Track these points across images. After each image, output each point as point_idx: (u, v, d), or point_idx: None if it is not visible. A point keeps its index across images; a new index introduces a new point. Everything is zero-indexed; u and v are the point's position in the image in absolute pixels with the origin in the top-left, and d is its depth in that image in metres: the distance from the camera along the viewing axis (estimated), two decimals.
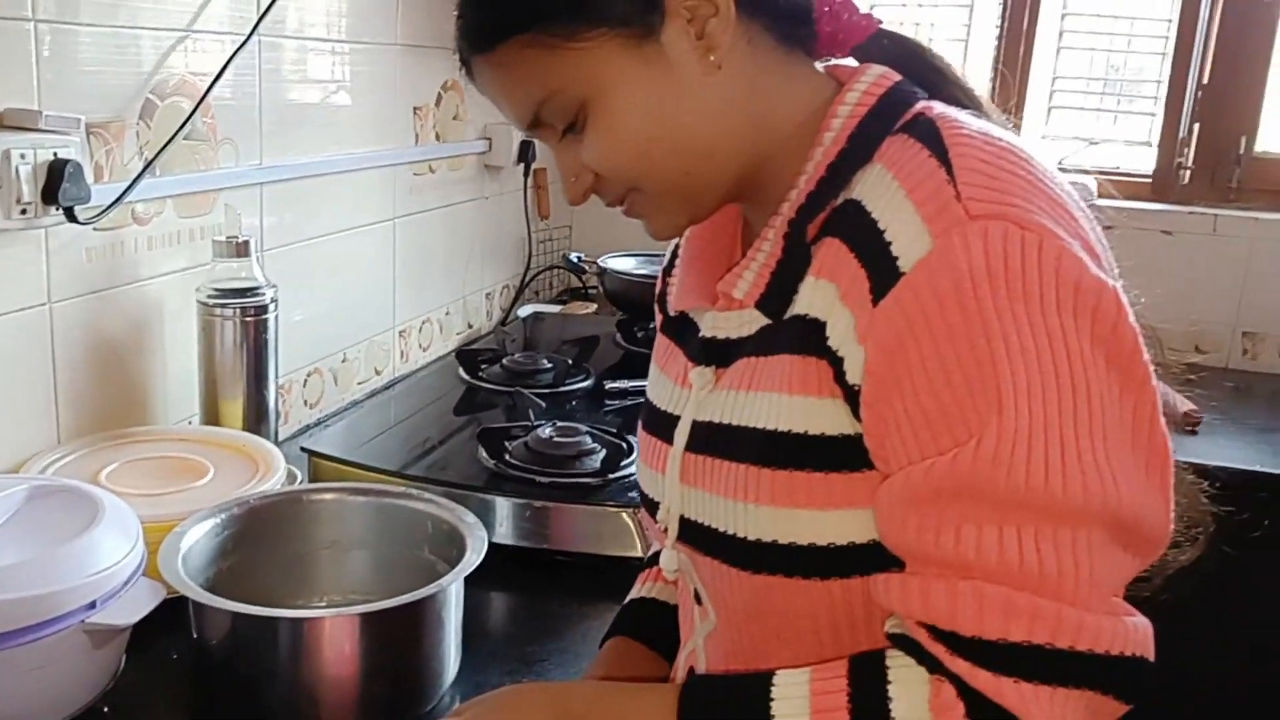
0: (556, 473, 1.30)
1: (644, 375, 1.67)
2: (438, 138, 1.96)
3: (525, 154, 2.21)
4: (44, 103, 1.13)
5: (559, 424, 1.40)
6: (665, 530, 0.81)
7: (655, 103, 0.73)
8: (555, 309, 2.34)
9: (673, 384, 0.84)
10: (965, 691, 0.63)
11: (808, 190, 0.74)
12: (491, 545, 1.02)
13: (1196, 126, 2.46)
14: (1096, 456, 0.62)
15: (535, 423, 1.42)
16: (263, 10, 1.41)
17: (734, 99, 0.75)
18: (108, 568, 0.90)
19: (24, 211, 1.09)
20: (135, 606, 0.89)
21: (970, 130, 0.69)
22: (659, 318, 0.93)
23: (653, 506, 0.84)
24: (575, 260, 2.22)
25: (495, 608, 1.20)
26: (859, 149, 0.73)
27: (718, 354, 0.79)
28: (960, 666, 0.63)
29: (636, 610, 0.98)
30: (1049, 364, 0.62)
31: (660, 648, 0.94)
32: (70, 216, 1.13)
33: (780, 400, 0.72)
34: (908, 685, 0.65)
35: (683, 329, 0.85)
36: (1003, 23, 2.52)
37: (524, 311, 2.25)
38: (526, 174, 2.27)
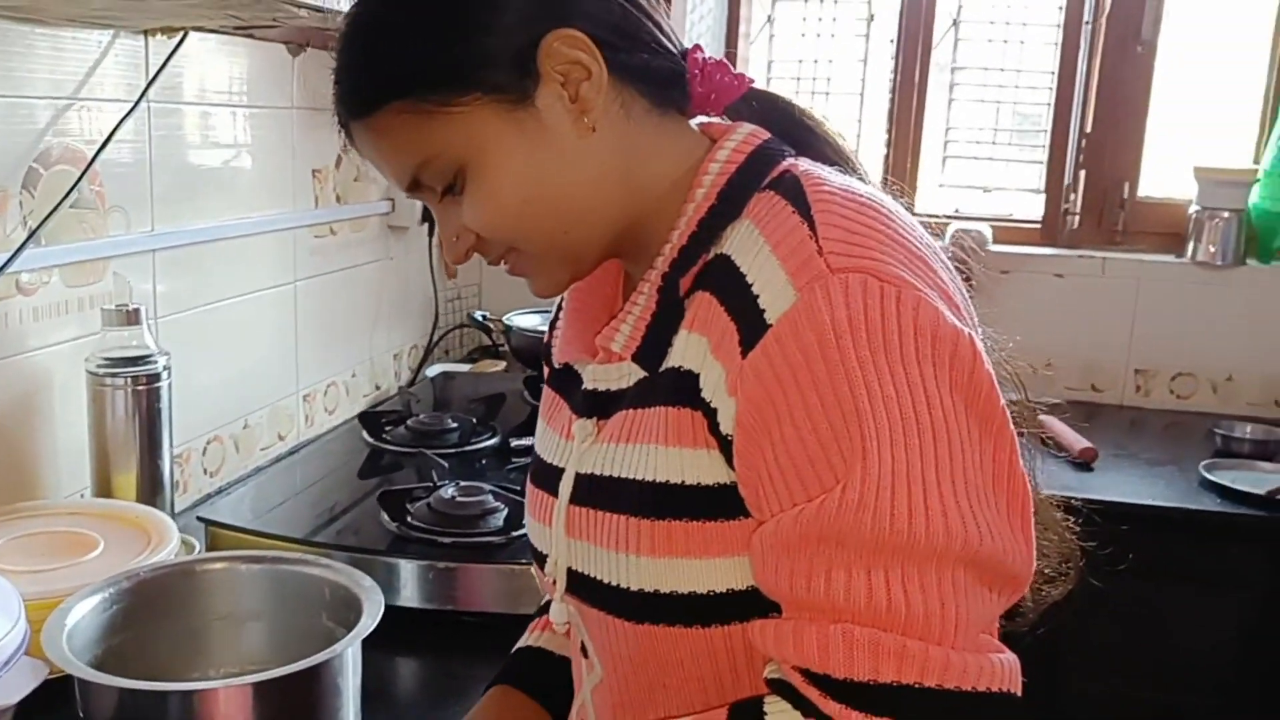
0: (460, 533, 1.30)
1: None
2: (339, 199, 1.96)
3: (429, 213, 2.21)
4: None
5: (462, 484, 1.40)
6: (554, 582, 0.82)
7: (531, 166, 0.74)
8: (465, 368, 2.34)
9: (557, 437, 0.85)
10: None
11: (680, 245, 0.76)
12: (396, 609, 1.02)
13: (1082, 174, 2.57)
14: (958, 499, 0.64)
15: (439, 483, 1.42)
16: (151, 76, 1.41)
17: (609, 160, 0.76)
18: None
19: None
20: (16, 686, 0.87)
21: (832, 186, 0.72)
22: (546, 371, 0.94)
23: (541, 559, 0.85)
24: (481, 319, 2.23)
25: (400, 672, 1.19)
26: (728, 205, 0.75)
27: (599, 406, 0.80)
28: (833, 709, 0.64)
29: (522, 659, 0.98)
30: (909, 411, 0.64)
31: (542, 698, 0.94)
32: None
33: (658, 452, 0.73)
34: None
35: (567, 382, 0.87)
36: (896, 77, 2.61)
37: (433, 371, 2.24)
38: (431, 233, 2.27)
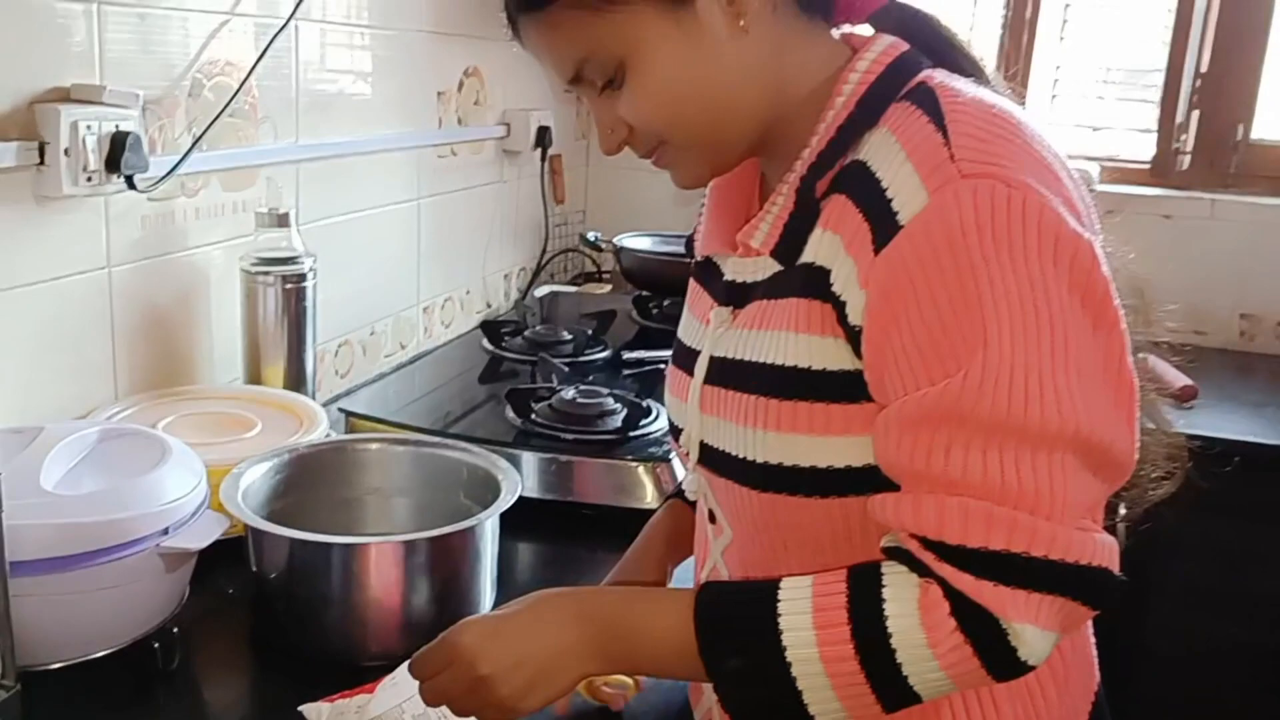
0: (580, 430, 1.38)
1: (661, 347, 1.76)
2: (460, 122, 2.04)
3: (542, 139, 2.29)
4: (106, 79, 1.22)
5: (581, 386, 1.48)
6: (688, 453, 0.89)
7: (687, 64, 0.79)
8: (572, 290, 2.42)
9: (698, 322, 0.92)
10: (950, 593, 0.70)
11: (818, 150, 0.81)
12: (520, 497, 1.09)
13: (1195, 114, 2.53)
14: (1071, 388, 0.69)
15: (559, 386, 1.50)
16: None
17: (758, 62, 0.81)
18: (178, 499, 0.98)
19: (89, 179, 1.17)
20: (204, 533, 0.98)
21: (965, 98, 0.76)
22: (691, 262, 1.01)
23: (677, 432, 0.92)
24: (593, 239, 2.30)
25: (524, 554, 1.28)
26: (866, 113, 0.79)
27: (737, 296, 0.87)
28: (946, 571, 0.70)
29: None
30: (1030, 306, 0.69)
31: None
32: (130, 184, 1.22)
33: (788, 338, 0.79)
34: (900, 588, 0.72)
35: (709, 273, 0.93)
36: (1007, 11, 2.59)
37: (540, 292, 2.33)
38: (543, 159, 2.35)
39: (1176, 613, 2.05)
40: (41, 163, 1.14)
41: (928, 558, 0.71)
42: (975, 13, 2.65)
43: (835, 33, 0.87)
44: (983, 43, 2.63)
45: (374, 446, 1.20)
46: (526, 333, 1.85)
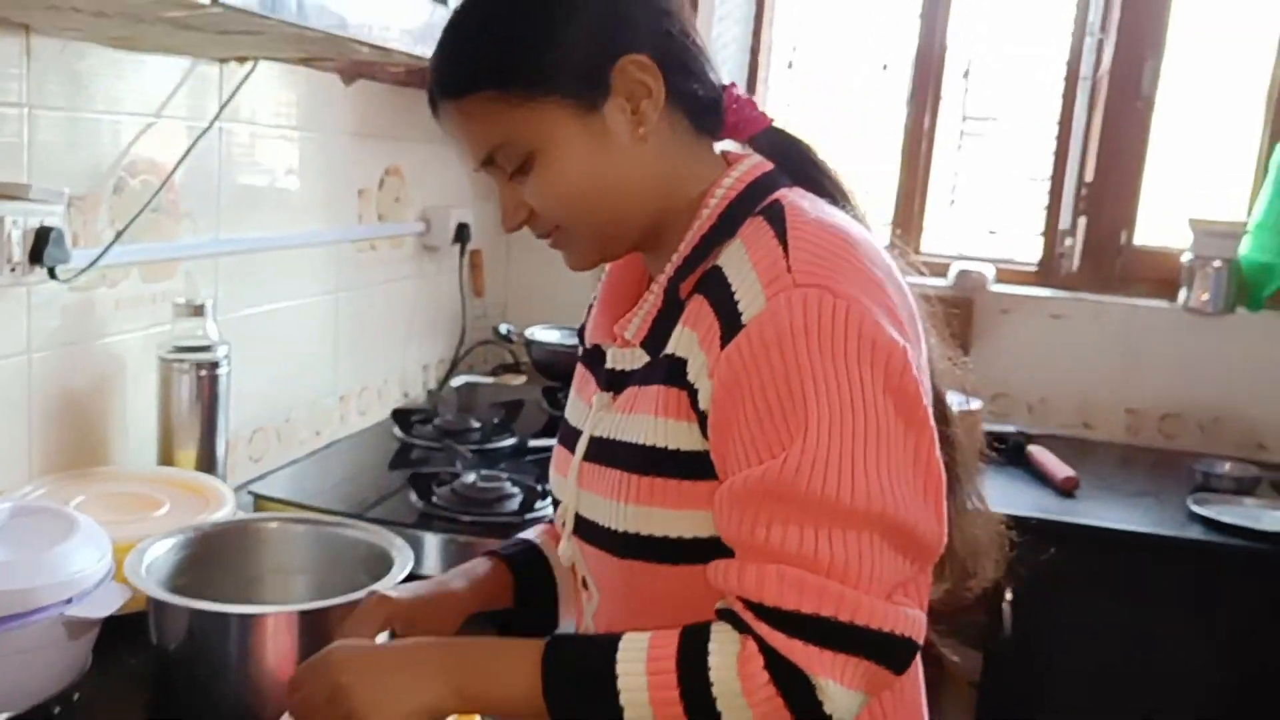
0: (479, 512, 1.46)
1: None
2: (380, 218, 2.14)
3: (461, 235, 2.39)
4: (33, 176, 1.29)
5: (483, 472, 1.56)
6: (564, 524, 0.98)
7: (590, 162, 0.90)
8: (489, 380, 2.50)
9: (584, 405, 1.02)
10: (765, 649, 0.79)
11: (684, 254, 0.92)
12: (421, 576, 1.14)
13: (1082, 220, 2.69)
14: (880, 476, 0.79)
15: (462, 471, 1.58)
16: (224, 101, 1.59)
17: (652, 168, 0.92)
18: (82, 570, 1.04)
19: (13, 269, 1.24)
20: (106, 602, 1.03)
21: (808, 218, 0.88)
22: (580, 350, 1.10)
23: (557, 504, 1.02)
24: (505, 332, 2.40)
25: None
26: (726, 225, 0.91)
27: (615, 382, 0.97)
28: (762, 629, 0.79)
29: (521, 546, 1.12)
30: (846, 402, 0.79)
31: (524, 578, 1.09)
32: (52, 275, 1.29)
33: (651, 421, 0.89)
34: (724, 644, 0.81)
35: (595, 359, 1.03)
36: (908, 121, 2.76)
37: (457, 382, 2.40)
38: (462, 254, 2.45)
39: (1065, 685, 2.13)
40: None
41: (748, 617, 0.80)
42: (878, 120, 2.83)
43: (717, 147, 0.99)
44: (887, 149, 2.80)
45: (274, 525, 1.27)
46: (436, 420, 1.93)
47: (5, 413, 1.32)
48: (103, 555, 1.07)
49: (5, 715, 1.00)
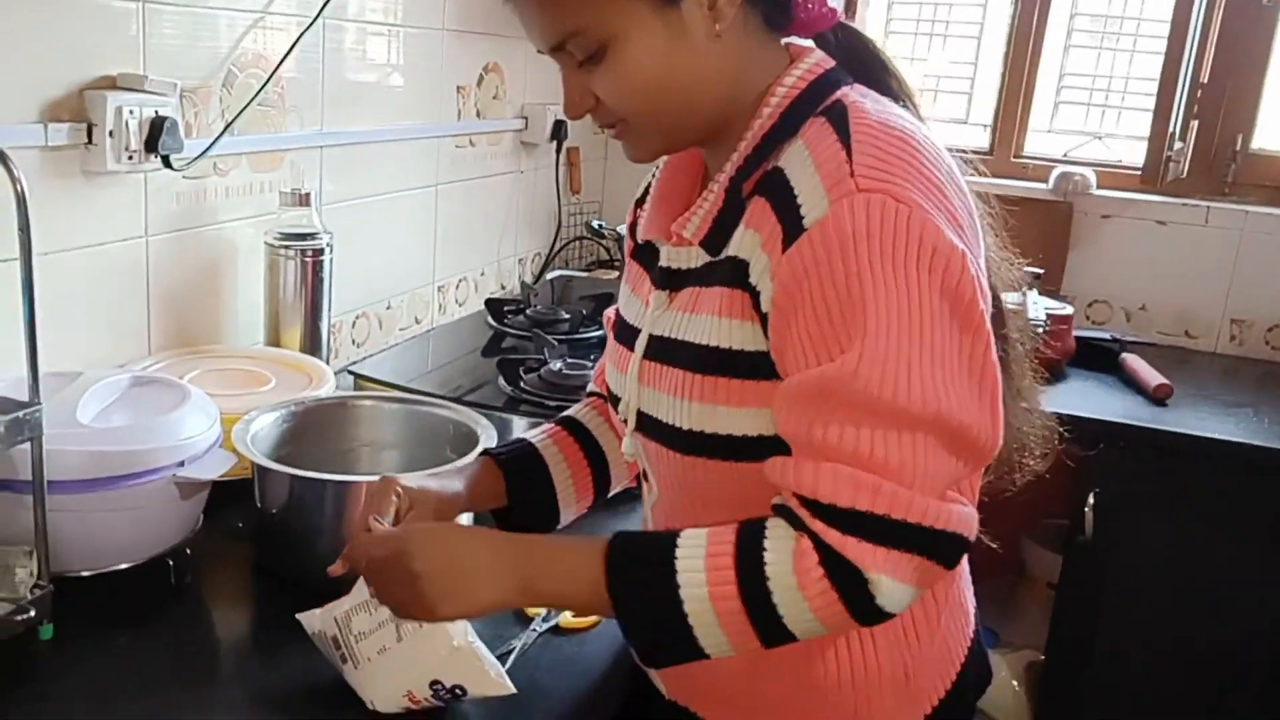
0: (564, 398, 1.52)
1: None
2: (478, 115, 2.19)
3: (558, 132, 2.43)
4: (148, 69, 1.37)
5: (569, 359, 1.62)
6: (625, 420, 1.02)
7: (664, 57, 0.89)
8: (582, 274, 2.56)
9: (638, 302, 1.05)
10: (819, 545, 0.81)
11: (745, 154, 0.92)
12: None
13: (1195, 123, 2.60)
14: (937, 379, 0.80)
15: (550, 359, 1.65)
16: None
17: (723, 64, 0.92)
18: (193, 436, 1.13)
19: (130, 158, 1.33)
20: (215, 466, 1.13)
21: (871, 119, 0.87)
22: (629, 244, 1.13)
23: (616, 401, 1.06)
24: (596, 226, 2.44)
25: None
26: (787, 125, 0.91)
27: (672, 280, 0.99)
28: (817, 526, 0.81)
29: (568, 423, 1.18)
30: (904, 307, 0.80)
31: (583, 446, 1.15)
32: (167, 164, 1.38)
33: (713, 322, 0.91)
34: (779, 539, 0.83)
35: (647, 256, 1.05)
36: (1014, 20, 2.69)
37: (552, 275, 2.47)
38: (559, 151, 2.49)
39: (1131, 606, 2.14)
40: (90, 142, 1.30)
41: (803, 514, 0.82)
42: (983, 21, 2.76)
43: (783, 43, 0.97)
44: (990, 52, 2.73)
45: (369, 403, 1.35)
46: (528, 311, 2.00)
47: (126, 292, 1.43)
48: (212, 424, 1.17)
49: (125, 564, 1.11)
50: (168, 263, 1.48)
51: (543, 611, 1.16)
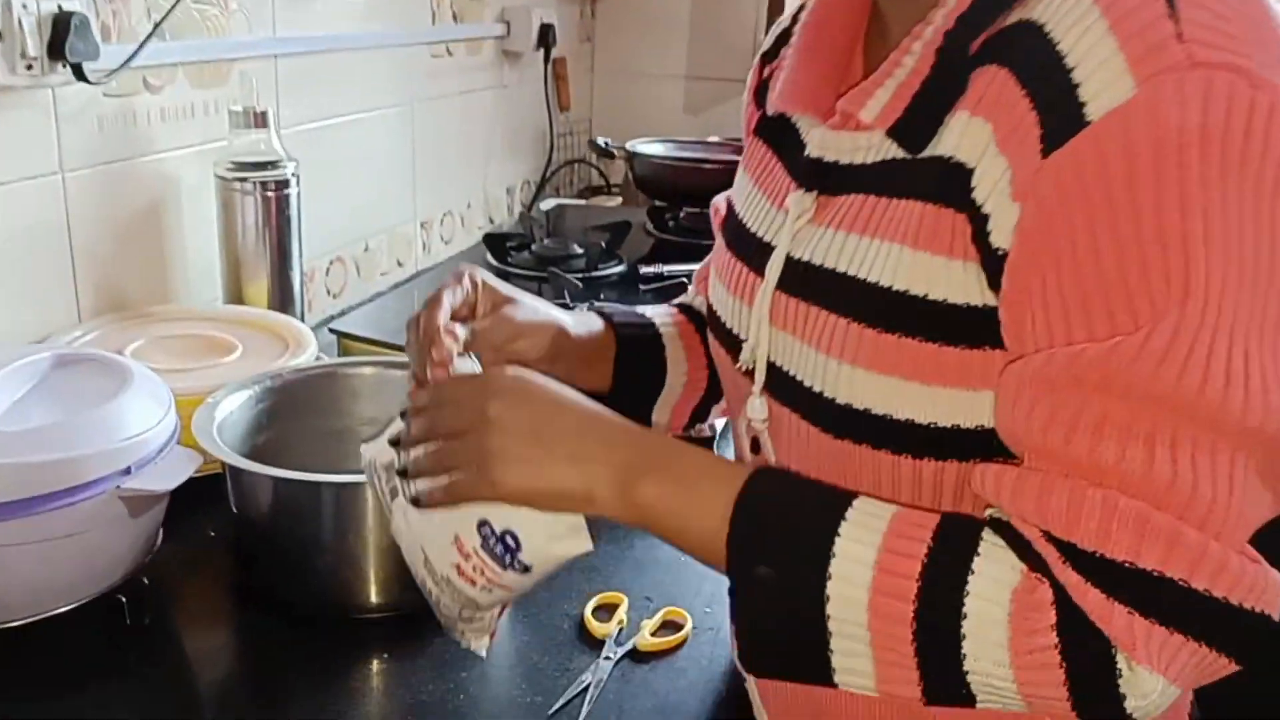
0: None
1: (678, 261, 1.62)
2: (455, 19, 1.87)
3: (545, 39, 2.12)
4: None
5: (595, 304, 1.34)
6: (748, 372, 0.73)
7: None
8: (580, 203, 2.26)
9: (768, 203, 0.74)
10: (1063, 602, 0.55)
11: None
12: None
13: None
14: None
15: (572, 304, 1.36)
16: None
17: None
18: (141, 433, 0.84)
19: (29, 67, 1.02)
20: (172, 473, 0.84)
21: None
22: (752, 114, 0.82)
23: (731, 341, 0.76)
24: (603, 145, 2.13)
25: None
26: None
27: (824, 178, 0.68)
28: (1070, 578, 0.54)
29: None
30: (1256, 257, 0.51)
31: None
32: (79, 74, 1.06)
33: (900, 253, 0.61)
34: (997, 565, 0.56)
35: (783, 136, 0.75)
36: None
37: (546, 205, 2.18)
38: (546, 62, 2.18)
39: None
40: None
41: (1051, 557, 0.55)
42: None
43: None
44: None
45: (368, 371, 1.06)
46: (534, 247, 1.70)
47: (42, 244, 1.12)
48: (165, 412, 0.88)
49: (65, 606, 0.83)
50: (93, 205, 1.17)
51: (613, 630, 0.89)
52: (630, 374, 0.86)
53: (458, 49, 1.90)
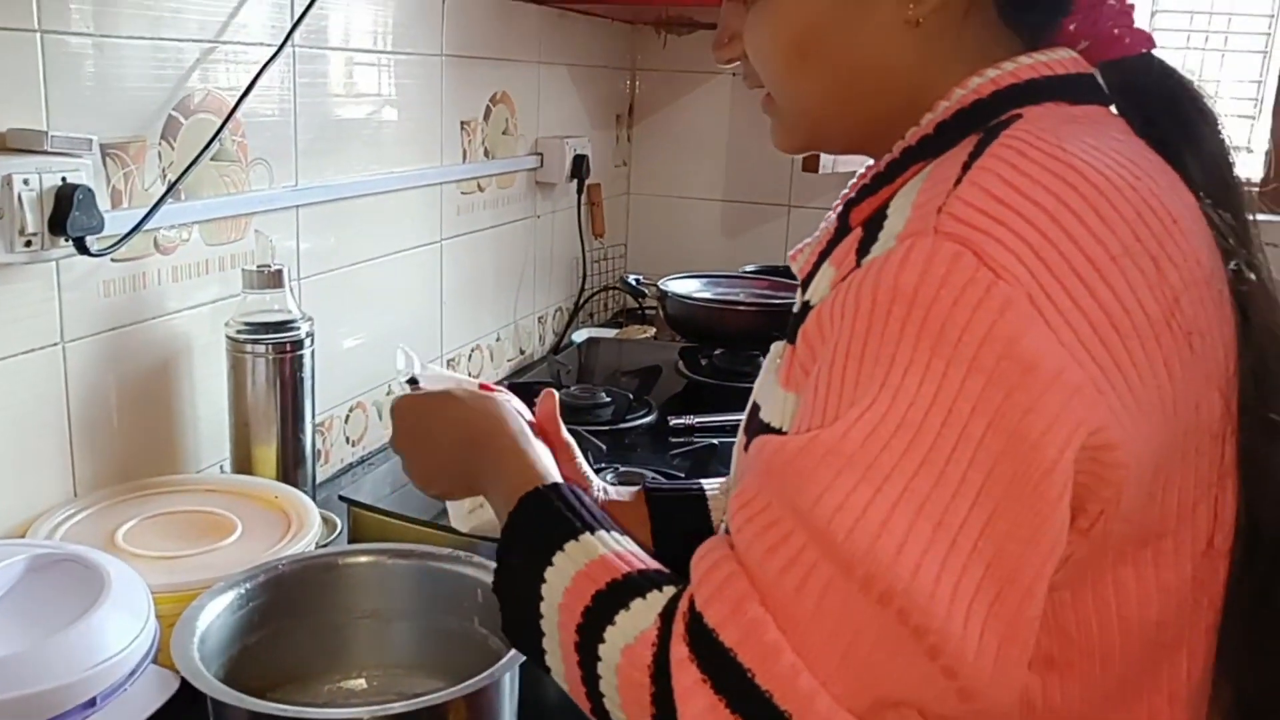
0: (622, 531, 1.17)
1: (711, 409, 1.55)
2: (487, 154, 1.84)
3: (579, 169, 2.09)
4: (52, 122, 1.02)
5: (622, 470, 1.27)
6: None
7: (829, 25, 0.68)
8: (611, 333, 2.21)
9: None
10: (661, 648, 0.58)
11: (876, 171, 0.68)
12: None
13: None
14: (918, 540, 0.52)
15: (596, 468, 1.29)
16: (296, 18, 1.30)
17: (910, 59, 0.67)
18: (111, 656, 0.78)
19: (29, 244, 0.97)
20: (142, 703, 0.77)
21: (1032, 139, 0.59)
22: None
23: None
24: (634, 283, 2.08)
25: (553, 686, 1.07)
26: (939, 140, 0.65)
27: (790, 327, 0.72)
28: (678, 627, 0.58)
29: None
30: (924, 420, 0.53)
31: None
32: (81, 248, 1.02)
33: (771, 386, 0.67)
34: (647, 609, 0.61)
35: None
36: None
37: (578, 336, 2.12)
38: (580, 191, 2.15)
39: None
40: None
41: (684, 604, 0.58)
42: (1273, 32, 2.34)
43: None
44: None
45: (367, 560, 1.00)
46: (560, 395, 1.63)
47: (37, 418, 1.06)
48: (140, 627, 0.81)
49: None
50: (95, 373, 1.12)
51: None
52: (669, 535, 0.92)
53: (489, 183, 1.87)
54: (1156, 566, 0.62)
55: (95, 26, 1.08)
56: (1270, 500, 0.64)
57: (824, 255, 0.69)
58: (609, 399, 1.62)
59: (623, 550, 0.66)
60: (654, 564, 0.66)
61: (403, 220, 1.63)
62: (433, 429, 0.88)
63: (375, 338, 1.58)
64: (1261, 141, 2.29)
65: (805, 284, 0.71)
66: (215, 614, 0.89)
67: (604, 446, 1.41)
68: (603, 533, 0.68)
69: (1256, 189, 2.29)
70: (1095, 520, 0.57)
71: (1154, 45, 0.69)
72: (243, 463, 1.24)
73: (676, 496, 0.94)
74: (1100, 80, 0.67)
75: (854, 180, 0.71)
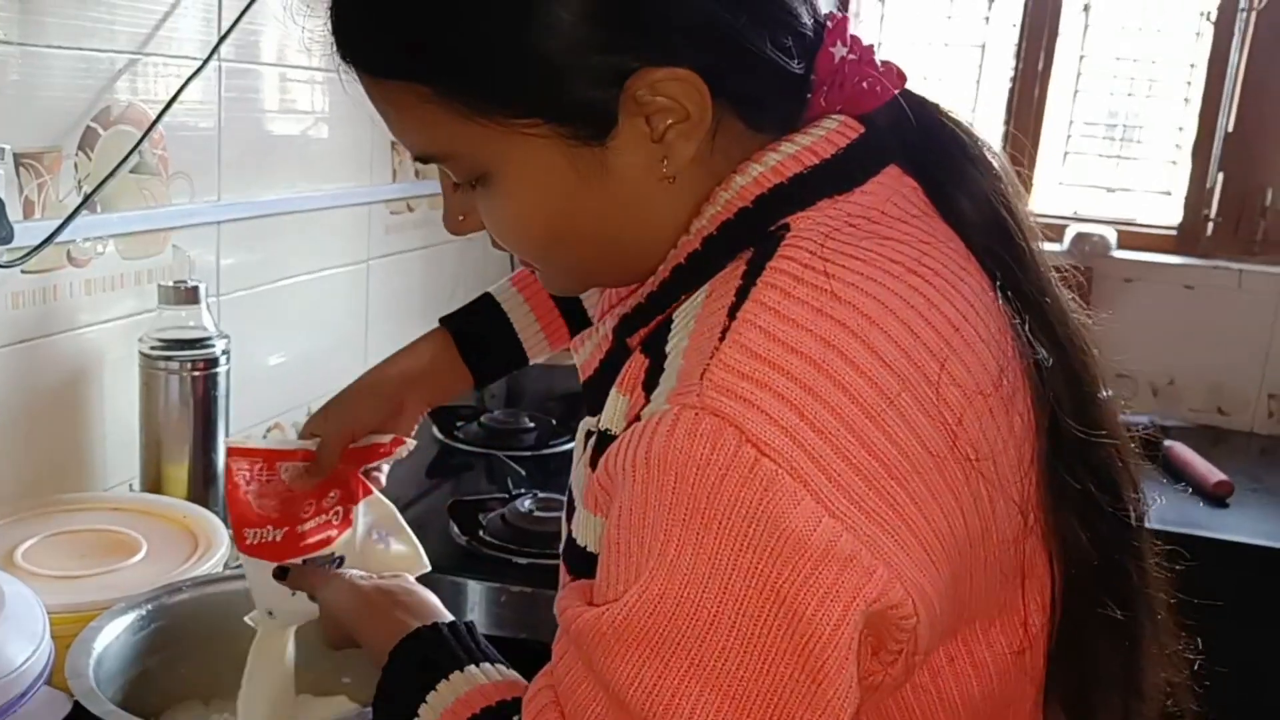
0: (536, 552, 1.16)
1: None
2: (418, 174, 1.84)
3: None
4: None
5: (540, 495, 1.26)
6: None
7: (574, 208, 0.63)
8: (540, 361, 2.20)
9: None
10: None
11: (648, 291, 0.65)
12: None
13: (1220, 176, 2.35)
14: (705, 707, 0.53)
15: (514, 493, 1.29)
16: (224, 31, 1.29)
17: (671, 212, 0.64)
18: (3, 677, 0.75)
19: None
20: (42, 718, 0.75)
21: (800, 278, 0.57)
22: None
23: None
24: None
25: None
26: (707, 260, 0.63)
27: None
28: None
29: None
30: (700, 596, 0.53)
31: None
32: None
33: (582, 515, 0.65)
34: None
35: None
36: (1018, 64, 2.42)
37: None
38: None
39: None
40: None
41: None
42: (983, 66, 2.48)
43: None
44: (991, 98, 2.45)
45: None
46: (483, 418, 1.63)
47: None
48: (34, 648, 0.79)
49: None
50: (1, 386, 1.09)
51: None
52: (484, 364, 1.00)
53: (419, 204, 1.86)
54: (969, 646, 0.62)
55: (19, 35, 1.06)
56: (1076, 562, 0.64)
57: (605, 363, 0.68)
58: (533, 424, 1.61)
59: (465, 689, 0.69)
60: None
61: (330, 239, 1.62)
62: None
63: (297, 357, 1.56)
64: (1181, 186, 2.37)
65: (591, 391, 0.69)
66: (114, 635, 0.88)
67: (523, 472, 1.40)
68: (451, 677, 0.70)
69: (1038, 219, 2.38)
70: (896, 657, 0.56)
71: (904, 81, 0.67)
72: (153, 482, 1.22)
73: (475, 328, 1.03)
74: (874, 132, 0.65)
75: (624, 292, 0.69)
